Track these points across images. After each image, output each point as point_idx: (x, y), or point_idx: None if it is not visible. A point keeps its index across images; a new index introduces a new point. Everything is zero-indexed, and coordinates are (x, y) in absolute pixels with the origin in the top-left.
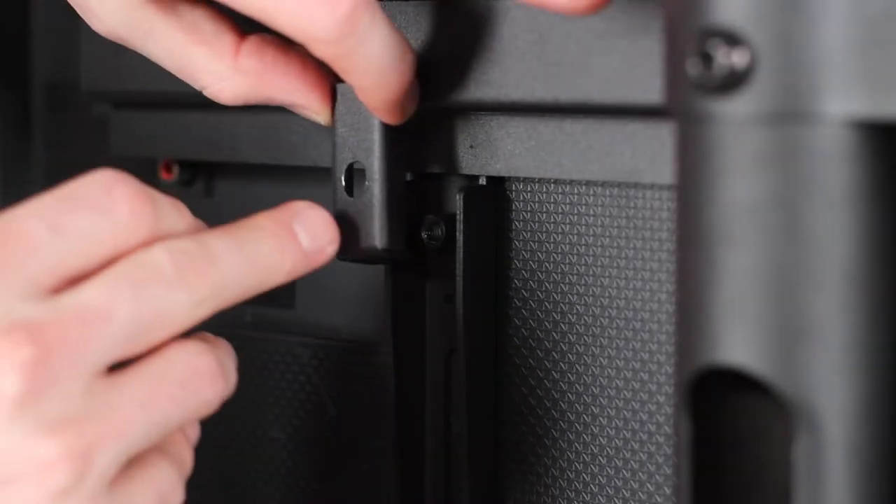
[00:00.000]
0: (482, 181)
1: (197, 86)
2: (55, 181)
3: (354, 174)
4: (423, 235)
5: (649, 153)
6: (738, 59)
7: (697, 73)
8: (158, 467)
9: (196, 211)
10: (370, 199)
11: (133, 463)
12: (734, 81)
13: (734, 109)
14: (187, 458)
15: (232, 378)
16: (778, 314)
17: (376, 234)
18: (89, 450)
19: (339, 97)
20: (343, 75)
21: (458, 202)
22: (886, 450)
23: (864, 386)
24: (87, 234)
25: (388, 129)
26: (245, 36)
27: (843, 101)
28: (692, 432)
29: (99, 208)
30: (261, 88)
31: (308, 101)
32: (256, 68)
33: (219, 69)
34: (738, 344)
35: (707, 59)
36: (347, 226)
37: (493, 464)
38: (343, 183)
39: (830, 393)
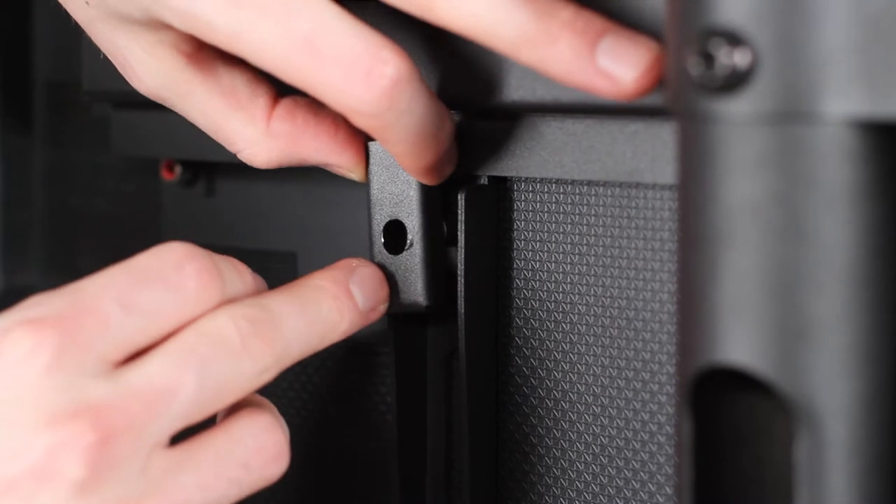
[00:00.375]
0: (483, 181)
1: (231, 149)
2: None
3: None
4: None
5: (651, 153)
6: (739, 59)
7: (699, 73)
8: None
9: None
10: (413, 258)
11: None
12: (736, 81)
13: (736, 109)
14: None
15: (289, 452)
16: (779, 314)
17: (420, 292)
18: None
19: (371, 156)
20: (381, 143)
21: (459, 202)
22: (887, 449)
23: (864, 386)
24: (156, 310)
25: (425, 188)
26: (278, 99)
27: (844, 100)
28: (693, 432)
29: (169, 284)
30: (293, 151)
31: (341, 161)
32: (288, 131)
33: (252, 134)
34: (740, 344)
35: (709, 59)
36: (388, 279)
37: (494, 464)
38: (383, 240)
39: (831, 392)
